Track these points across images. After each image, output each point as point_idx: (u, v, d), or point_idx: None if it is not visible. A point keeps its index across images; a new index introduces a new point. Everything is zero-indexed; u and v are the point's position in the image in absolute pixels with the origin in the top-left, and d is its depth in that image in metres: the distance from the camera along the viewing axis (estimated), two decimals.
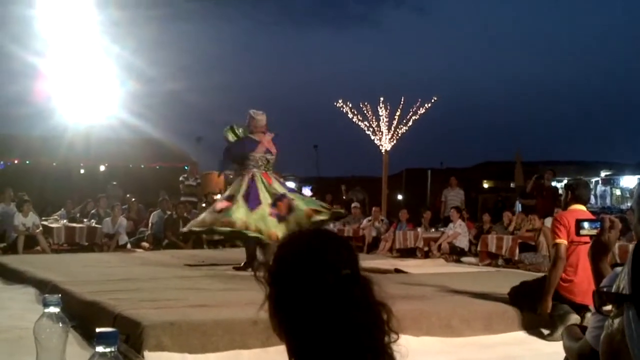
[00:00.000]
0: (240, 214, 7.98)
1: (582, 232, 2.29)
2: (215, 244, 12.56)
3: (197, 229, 8.58)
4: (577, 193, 5.60)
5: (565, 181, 8.69)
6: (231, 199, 8.25)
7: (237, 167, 8.88)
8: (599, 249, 2.17)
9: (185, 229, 9.48)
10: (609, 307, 1.47)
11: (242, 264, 8.24)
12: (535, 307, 5.44)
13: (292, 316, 1.30)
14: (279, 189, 8.38)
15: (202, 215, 8.70)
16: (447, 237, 12.19)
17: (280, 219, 8.02)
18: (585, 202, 5.73)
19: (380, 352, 1.30)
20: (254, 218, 7.97)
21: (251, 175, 8.36)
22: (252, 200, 8.13)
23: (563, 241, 5.39)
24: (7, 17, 19.52)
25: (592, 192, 21.01)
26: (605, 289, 1.57)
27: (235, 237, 8.34)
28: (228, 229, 7.99)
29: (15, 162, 20.98)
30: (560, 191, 11.77)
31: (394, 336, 1.32)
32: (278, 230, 7.81)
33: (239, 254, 8.94)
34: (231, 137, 8.57)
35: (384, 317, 1.32)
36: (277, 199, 8.19)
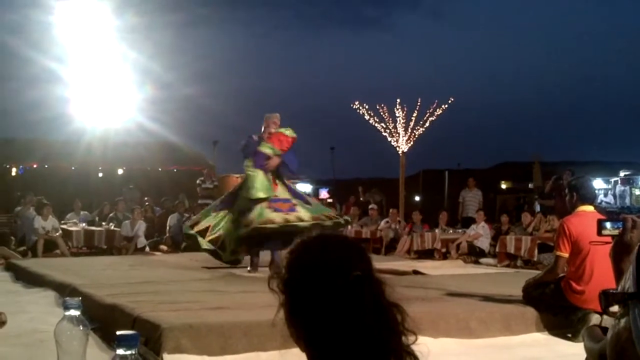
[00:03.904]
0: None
1: (604, 232, 2.27)
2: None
3: (266, 225, 7.98)
4: (582, 193, 5.42)
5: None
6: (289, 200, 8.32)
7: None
8: (621, 249, 2.15)
9: (245, 231, 8.14)
10: (616, 308, 1.46)
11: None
12: (554, 311, 5.39)
13: (307, 323, 1.30)
14: (281, 194, 8.34)
15: (265, 215, 8.10)
16: (467, 236, 12.14)
17: (277, 210, 8.11)
18: (592, 200, 5.55)
19: (399, 353, 1.29)
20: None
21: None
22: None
23: (564, 255, 5.30)
24: (26, 23, 19.76)
25: (612, 192, 20.77)
26: (612, 291, 1.56)
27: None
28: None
29: (34, 166, 21.21)
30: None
31: (411, 336, 1.31)
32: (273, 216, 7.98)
33: None
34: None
35: (397, 318, 1.31)
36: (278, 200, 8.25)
